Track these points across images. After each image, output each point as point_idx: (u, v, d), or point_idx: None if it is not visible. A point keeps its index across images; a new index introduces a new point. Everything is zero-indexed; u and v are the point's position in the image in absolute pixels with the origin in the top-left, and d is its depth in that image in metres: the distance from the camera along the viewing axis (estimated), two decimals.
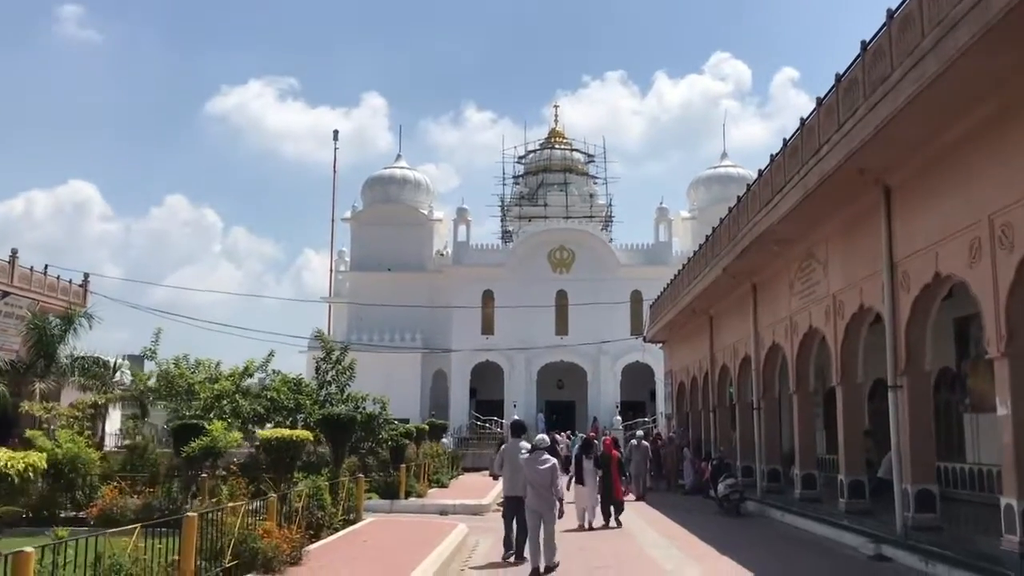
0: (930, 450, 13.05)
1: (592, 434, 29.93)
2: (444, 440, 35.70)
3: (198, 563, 8.05)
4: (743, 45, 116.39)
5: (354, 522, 14.56)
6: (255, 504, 10.15)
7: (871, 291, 14.18)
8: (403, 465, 19.74)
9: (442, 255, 54.31)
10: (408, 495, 19.84)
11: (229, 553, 8.75)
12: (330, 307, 56.83)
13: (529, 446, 12.01)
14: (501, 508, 12.92)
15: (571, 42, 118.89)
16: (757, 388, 21.38)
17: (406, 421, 30.61)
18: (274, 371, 20.40)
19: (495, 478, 29.17)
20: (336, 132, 61.46)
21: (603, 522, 16.66)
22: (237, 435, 11.43)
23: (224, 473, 14.80)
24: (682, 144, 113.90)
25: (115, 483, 14.71)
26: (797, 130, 14.82)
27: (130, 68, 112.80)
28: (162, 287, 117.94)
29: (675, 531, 15.84)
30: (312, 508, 11.98)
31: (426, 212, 54.75)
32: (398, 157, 57.85)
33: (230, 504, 9.47)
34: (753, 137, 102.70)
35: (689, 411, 32.28)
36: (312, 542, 11.42)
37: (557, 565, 11.17)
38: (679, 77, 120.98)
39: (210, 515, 8.83)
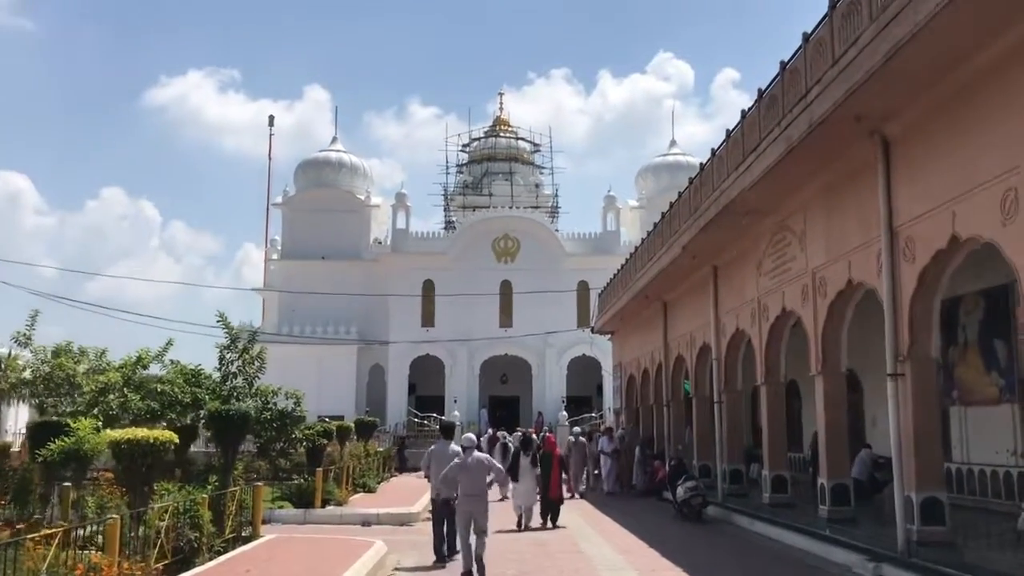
0: (937, 451, 11.03)
1: (533, 431, 27.91)
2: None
3: None
4: (686, 45, 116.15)
5: (249, 540, 12.06)
6: (89, 529, 7.61)
7: (862, 264, 12.12)
8: (320, 469, 17.22)
9: (380, 243, 51.59)
10: (326, 503, 17.34)
11: None
12: (263, 299, 53.83)
13: (459, 448, 11.49)
14: (430, 515, 12.54)
15: (517, 39, 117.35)
16: (718, 380, 19.32)
17: (340, 418, 28.11)
18: (171, 361, 17.68)
19: (428, 479, 26.79)
20: (272, 117, 58.18)
21: (540, 522, 16.13)
22: (114, 434, 8.86)
23: (92, 481, 12.18)
24: (626, 143, 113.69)
25: None
26: (776, 77, 12.67)
27: (65, 56, 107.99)
28: (97, 281, 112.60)
29: (630, 543, 13.62)
30: (182, 529, 9.45)
31: (363, 198, 51.97)
32: (334, 140, 54.94)
33: (42, 532, 6.92)
34: (695, 136, 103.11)
35: (640, 406, 30.20)
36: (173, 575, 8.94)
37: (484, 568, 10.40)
38: (623, 76, 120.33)
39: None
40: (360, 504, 18.26)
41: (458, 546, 11.00)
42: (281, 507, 17.02)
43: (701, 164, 17.20)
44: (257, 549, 11.15)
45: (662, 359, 25.41)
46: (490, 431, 37.51)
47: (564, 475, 17.36)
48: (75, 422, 12.40)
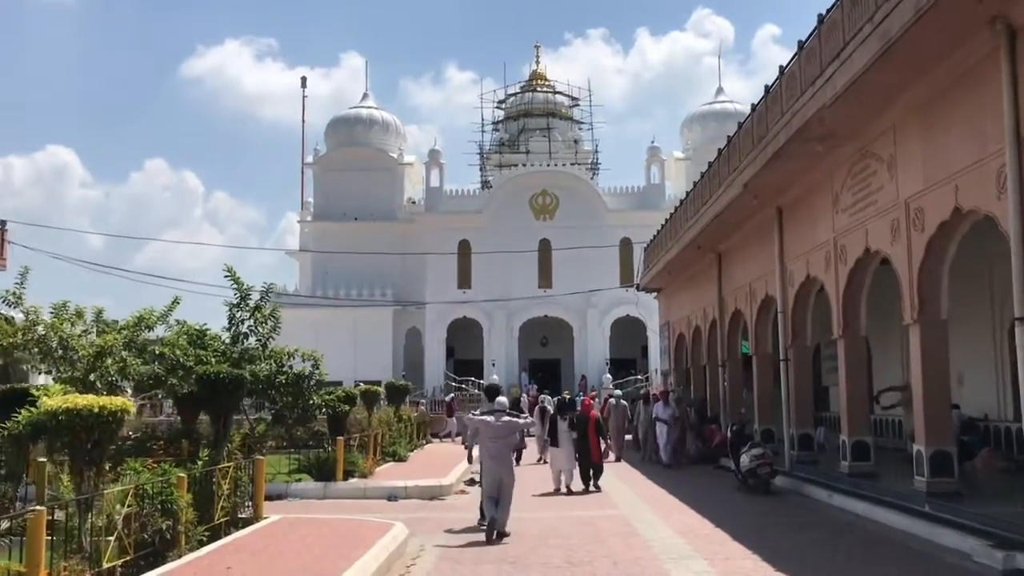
0: None
1: (575, 395, 26.19)
2: (422, 405, 31.71)
3: None
4: (725, 1, 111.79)
5: (249, 523, 10.37)
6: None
7: (974, 187, 9.95)
8: (340, 438, 15.51)
9: (414, 203, 49.81)
10: (349, 475, 15.68)
11: None
12: (299, 264, 52.51)
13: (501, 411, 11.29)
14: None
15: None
16: (784, 335, 17.22)
17: (377, 383, 26.44)
18: (177, 322, 16.03)
19: (468, 448, 25.02)
20: (304, 78, 56.67)
21: (583, 487, 15.75)
22: (51, 403, 7.13)
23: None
24: (666, 102, 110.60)
25: None
26: None
27: (104, 30, 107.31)
28: (143, 253, 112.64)
29: (692, 523, 11.71)
30: (151, 517, 7.72)
31: (396, 156, 50.10)
32: (365, 96, 53.01)
33: None
34: (736, 94, 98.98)
35: (691, 367, 28.17)
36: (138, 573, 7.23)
37: (508, 535, 10.46)
38: (662, 34, 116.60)
39: None
40: (387, 476, 16.57)
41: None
42: (299, 480, 15.40)
43: (766, 86, 14.98)
44: (251, 536, 9.43)
45: (716, 315, 23.31)
46: (532, 393, 35.86)
47: (602, 438, 16.68)
48: (39, 390, 10.78)
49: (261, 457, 11.27)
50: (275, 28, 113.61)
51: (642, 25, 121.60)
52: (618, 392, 25.16)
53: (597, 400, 23.43)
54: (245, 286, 15.86)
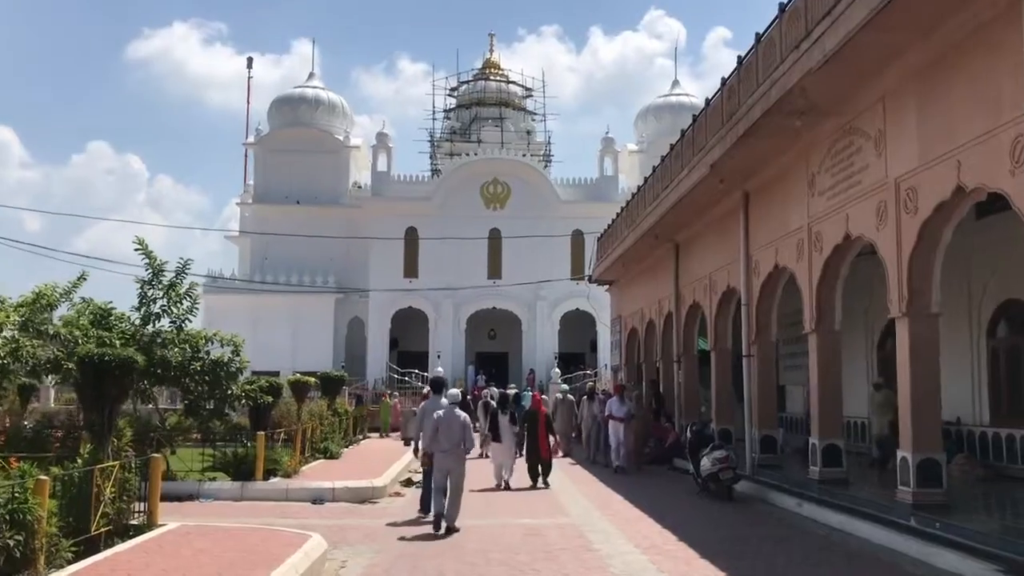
0: None
1: (523, 389, 24.89)
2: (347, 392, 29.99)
3: None
4: (677, 3, 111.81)
5: (143, 531, 8.82)
6: None
7: (984, 161, 8.79)
8: (261, 433, 13.93)
9: (360, 188, 47.94)
10: (271, 474, 14.10)
11: None
12: (239, 249, 50.29)
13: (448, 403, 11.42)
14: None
15: None
16: (748, 329, 16.07)
17: (313, 375, 24.78)
18: (82, 299, 14.28)
19: (408, 443, 23.52)
20: (250, 59, 54.40)
21: (531, 483, 15.45)
22: None
23: None
24: (617, 102, 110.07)
25: None
26: None
27: (47, 7, 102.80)
28: (82, 236, 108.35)
29: (653, 535, 10.45)
30: None
31: (341, 138, 48.14)
32: (311, 76, 50.91)
33: None
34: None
35: (643, 362, 27.04)
36: None
37: (457, 530, 10.45)
38: (614, 34, 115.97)
39: None
40: (314, 475, 15.03)
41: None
42: (214, 479, 13.79)
43: (739, 57, 13.75)
44: (134, 551, 7.87)
45: (672, 308, 22.17)
46: (479, 386, 34.51)
47: (552, 435, 16.35)
48: None
49: (157, 455, 9.69)
50: (225, 12, 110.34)
51: (595, 24, 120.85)
52: (565, 387, 24.00)
53: (547, 396, 22.13)
54: (158, 261, 14.17)
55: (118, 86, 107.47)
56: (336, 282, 44.63)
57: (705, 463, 13.89)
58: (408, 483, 15.76)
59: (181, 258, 14.62)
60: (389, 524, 11.27)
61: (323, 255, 44.72)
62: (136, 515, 9.08)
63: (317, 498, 13.31)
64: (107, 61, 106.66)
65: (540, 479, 15.54)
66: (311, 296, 44.08)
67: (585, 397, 21.05)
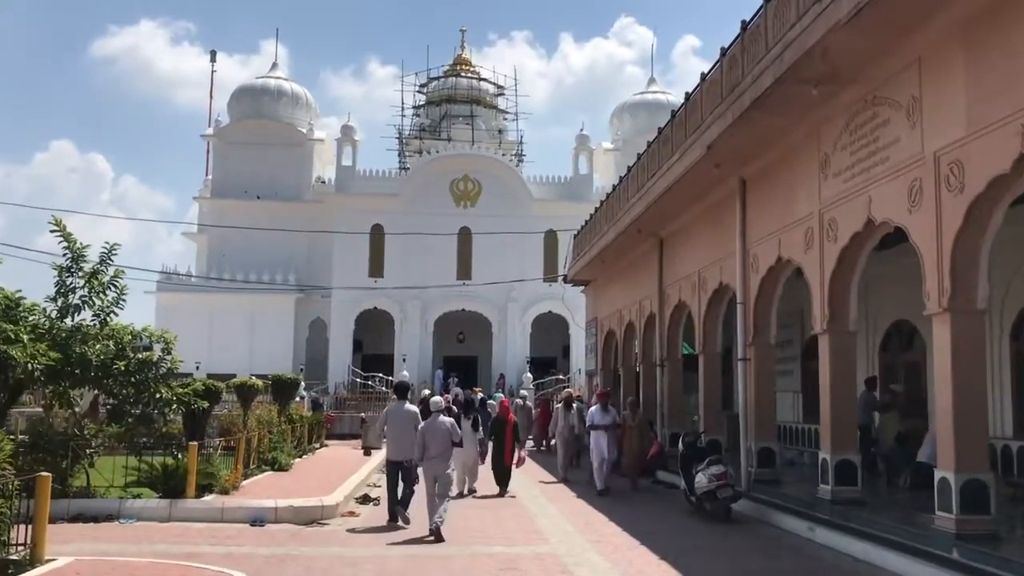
0: None
1: (493, 394, 23.17)
2: (301, 395, 28.06)
3: None
4: (647, 11, 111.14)
5: (24, 569, 7.02)
6: None
7: None
8: (193, 443, 12.09)
9: (323, 182, 46.03)
10: (206, 489, 12.29)
11: None
12: (197, 245, 48.08)
13: (415, 408, 12.02)
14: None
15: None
16: (745, 330, 14.52)
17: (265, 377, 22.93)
18: None
19: (368, 453, 21.67)
20: (213, 52, 52.46)
21: (497, 491, 15.11)
22: None
23: None
24: (587, 108, 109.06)
25: None
26: None
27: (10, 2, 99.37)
28: (46, 236, 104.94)
29: (644, 564, 8.81)
30: None
31: (305, 131, 46.18)
32: (274, 66, 48.91)
33: None
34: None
35: (621, 367, 25.46)
36: None
37: (443, 540, 10.23)
38: (585, 40, 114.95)
39: None
40: (257, 491, 13.22)
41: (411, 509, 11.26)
42: (138, 496, 11.95)
43: (743, 22, 12.19)
44: None
45: (655, 309, 20.60)
46: (452, 390, 32.79)
47: (517, 443, 15.74)
48: None
49: (45, 474, 7.87)
50: (193, 11, 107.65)
51: (566, 30, 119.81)
52: (524, 393, 22.59)
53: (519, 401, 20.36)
54: (78, 244, 12.31)
55: (83, 84, 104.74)
56: (297, 280, 42.72)
57: (700, 479, 12.30)
58: (365, 499, 14.02)
59: (107, 242, 12.77)
60: (336, 554, 9.53)
61: (284, 253, 42.88)
62: (16, 549, 7.27)
63: (256, 519, 11.53)
64: (72, 58, 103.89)
65: (503, 488, 15.15)
66: (271, 295, 42.14)
67: (560, 406, 19.00)
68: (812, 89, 10.68)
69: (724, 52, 13.00)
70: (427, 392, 12.50)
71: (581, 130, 46.21)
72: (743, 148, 13.31)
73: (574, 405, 19.25)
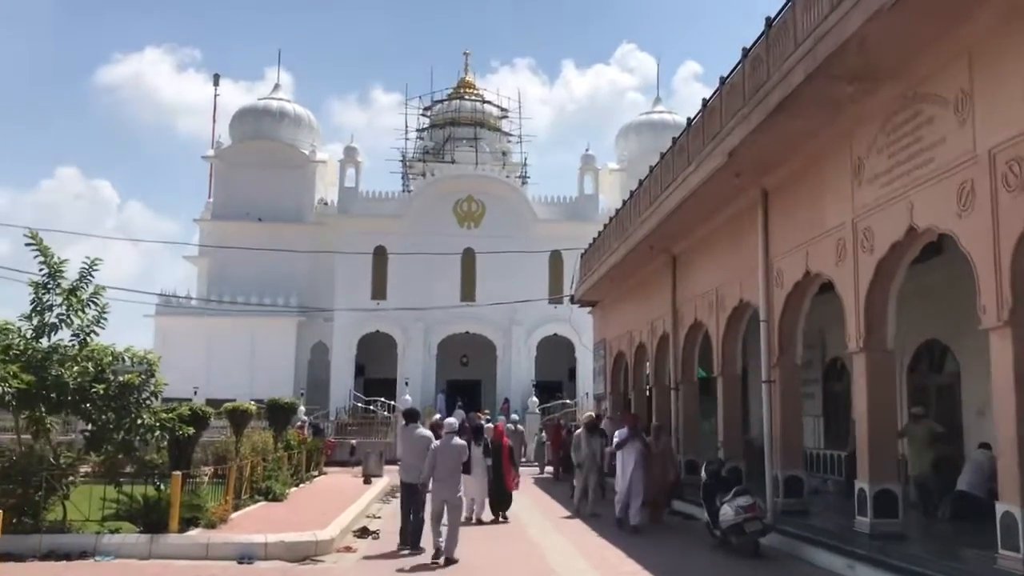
0: None
1: (495, 418, 22.23)
2: (302, 420, 27.11)
3: None
4: (648, 38, 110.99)
5: None
6: None
7: None
8: (177, 473, 11.18)
9: (326, 204, 45.30)
10: (191, 523, 11.35)
11: None
12: (198, 269, 47.26)
13: (428, 432, 11.88)
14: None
15: (481, 26, 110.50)
16: (769, 350, 13.63)
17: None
18: None
19: (368, 481, 20.91)
20: (217, 76, 52.17)
21: (492, 516, 14.81)
22: None
23: None
24: (589, 135, 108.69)
25: None
26: None
27: (15, 29, 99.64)
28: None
29: None
30: None
31: (307, 153, 45.53)
32: (276, 87, 48.36)
33: None
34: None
35: (632, 391, 24.53)
36: None
37: (456, 561, 10.46)
38: (586, 67, 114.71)
39: None
40: (247, 524, 12.27)
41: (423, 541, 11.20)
42: (116, 530, 11.02)
43: (768, 19, 11.41)
44: None
45: (668, 329, 19.73)
46: (459, 415, 31.82)
47: (515, 467, 15.77)
48: None
49: None
50: (198, 38, 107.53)
51: (568, 57, 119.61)
52: (515, 417, 21.72)
53: (523, 427, 19.23)
54: (56, 259, 11.48)
55: (89, 111, 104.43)
56: (299, 303, 41.83)
57: (726, 511, 11.33)
58: (364, 532, 13.08)
59: (87, 257, 11.94)
60: None
61: (285, 275, 42.07)
62: None
63: (244, 555, 10.58)
64: (77, 85, 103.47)
65: (501, 513, 14.87)
66: (271, 319, 41.29)
67: (581, 430, 16.48)
68: (847, 86, 9.90)
69: (746, 53, 12.22)
70: (438, 416, 12.13)
71: (587, 150, 45.47)
72: (766, 155, 12.50)
73: (601, 428, 17.48)
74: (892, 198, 10.01)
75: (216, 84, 51.84)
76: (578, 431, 16.25)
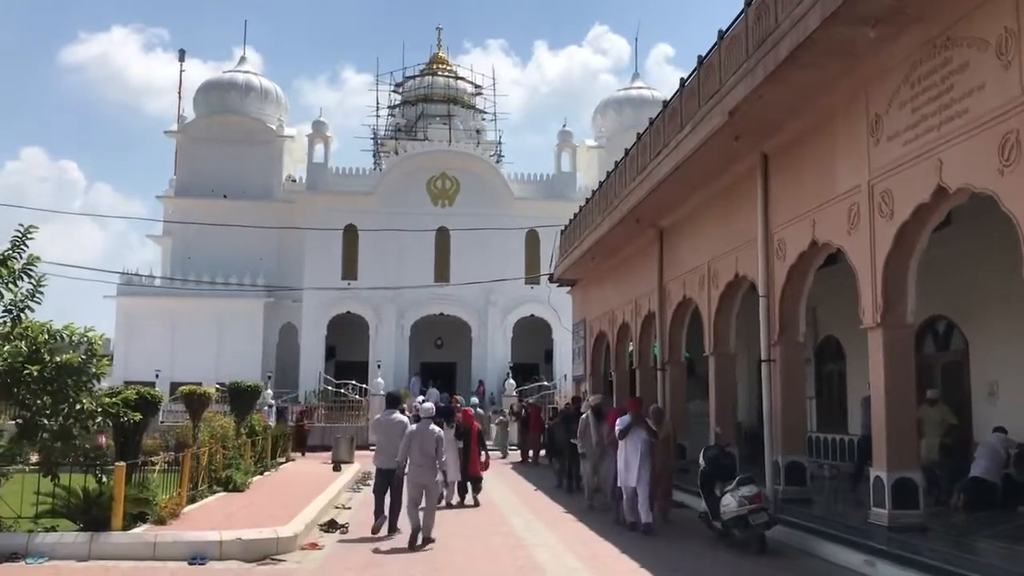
0: None
1: (458, 399, 21.20)
2: (268, 405, 25.94)
3: None
4: (621, 20, 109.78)
5: None
6: None
7: None
8: (121, 464, 10.00)
9: (294, 181, 43.86)
10: (137, 519, 10.21)
11: None
12: (162, 249, 45.67)
13: (405, 418, 11.79)
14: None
15: (454, 6, 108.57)
16: (769, 327, 12.66)
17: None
18: None
19: (337, 468, 20.00)
20: (182, 51, 49.99)
21: (459, 499, 14.74)
22: None
23: None
24: (562, 116, 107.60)
25: None
26: None
27: None
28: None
29: None
30: None
31: (275, 128, 43.98)
32: (242, 60, 46.67)
33: None
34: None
35: (613, 372, 23.56)
36: None
37: (433, 541, 10.49)
38: (559, 48, 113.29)
39: None
40: (201, 519, 11.13)
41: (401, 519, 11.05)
42: (52, 528, 9.85)
43: None
44: None
45: (654, 307, 18.77)
46: (432, 393, 30.78)
47: (484, 451, 15.69)
48: None
49: None
50: (166, 18, 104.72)
51: (541, 38, 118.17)
52: (475, 400, 20.49)
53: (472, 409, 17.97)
54: None
55: (54, 91, 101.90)
56: (266, 284, 40.42)
57: (728, 502, 10.36)
58: (331, 526, 11.98)
59: (21, 224, 10.67)
60: None
61: (253, 254, 40.72)
62: None
63: (196, 555, 9.45)
64: (42, 65, 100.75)
65: (469, 495, 14.86)
66: (238, 299, 39.86)
67: (588, 414, 14.55)
68: (869, 31, 8.87)
69: (748, 2, 11.15)
70: (430, 404, 11.88)
71: (564, 126, 44.35)
72: (771, 113, 11.49)
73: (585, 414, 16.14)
74: (917, 156, 9.03)
75: (182, 60, 50.06)
76: (584, 415, 14.82)
